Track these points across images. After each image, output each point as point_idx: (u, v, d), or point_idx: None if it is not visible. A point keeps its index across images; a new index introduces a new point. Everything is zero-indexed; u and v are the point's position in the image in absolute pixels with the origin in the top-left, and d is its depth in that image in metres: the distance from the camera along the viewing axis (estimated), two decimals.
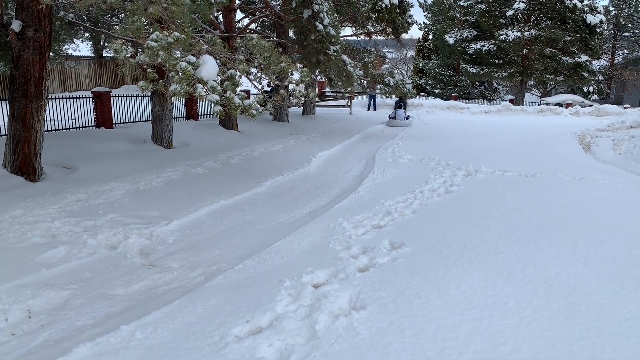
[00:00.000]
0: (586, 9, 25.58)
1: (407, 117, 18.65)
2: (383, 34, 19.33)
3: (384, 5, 15.37)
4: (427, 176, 7.86)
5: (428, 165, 9.11)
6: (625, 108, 24.56)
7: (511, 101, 27.94)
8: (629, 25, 35.53)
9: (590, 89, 32.69)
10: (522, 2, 25.51)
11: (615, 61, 36.40)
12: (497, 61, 28.08)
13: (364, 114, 22.55)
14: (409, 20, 20.74)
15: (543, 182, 7.35)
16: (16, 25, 6.66)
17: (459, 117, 22.00)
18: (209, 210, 6.49)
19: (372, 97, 24.25)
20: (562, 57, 26.08)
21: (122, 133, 11.13)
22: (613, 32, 35.52)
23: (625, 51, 36.84)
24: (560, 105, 26.05)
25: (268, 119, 16.52)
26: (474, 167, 8.41)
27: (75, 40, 17.91)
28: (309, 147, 11.85)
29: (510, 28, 26.12)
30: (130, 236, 5.31)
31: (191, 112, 15.08)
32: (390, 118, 18.66)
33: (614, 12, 35.11)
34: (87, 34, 20.88)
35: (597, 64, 32.34)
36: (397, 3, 16.47)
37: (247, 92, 16.01)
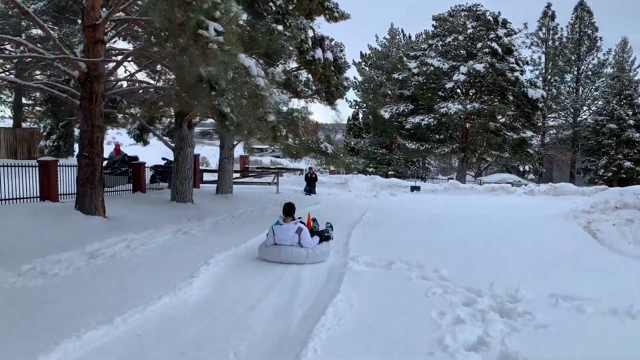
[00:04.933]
0: (526, 83, 24.27)
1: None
2: (317, 97, 16.07)
3: (316, 57, 12.03)
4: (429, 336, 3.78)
5: (405, 281, 5.08)
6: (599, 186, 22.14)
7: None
8: (553, 106, 35.48)
9: (527, 167, 31.32)
10: (462, 74, 23.71)
11: (545, 141, 36.04)
12: (437, 136, 25.79)
13: (290, 191, 18.58)
14: (345, 83, 17.77)
15: None
16: None
17: (404, 198, 18.67)
18: None
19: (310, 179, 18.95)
20: (507, 133, 24.20)
21: None
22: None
23: (554, 131, 36.82)
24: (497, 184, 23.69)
25: (165, 199, 12.10)
26: (503, 289, 4.46)
27: None
28: (206, 243, 7.48)
29: (450, 101, 24.11)
30: None
31: (47, 192, 10.20)
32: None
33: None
34: None
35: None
36: (331, 59, 13.29)
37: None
